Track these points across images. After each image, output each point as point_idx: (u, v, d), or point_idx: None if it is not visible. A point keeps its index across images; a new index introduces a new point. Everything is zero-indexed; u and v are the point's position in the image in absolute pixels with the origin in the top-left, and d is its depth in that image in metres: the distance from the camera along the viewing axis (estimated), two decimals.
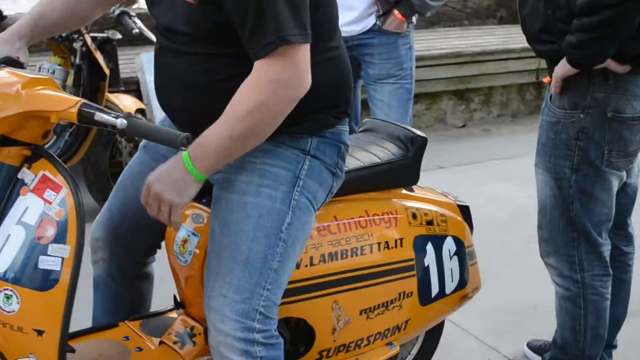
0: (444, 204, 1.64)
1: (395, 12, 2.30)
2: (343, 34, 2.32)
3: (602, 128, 1.52)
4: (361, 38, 2.37)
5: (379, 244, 1.42)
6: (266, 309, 1.14)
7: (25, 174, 1.09)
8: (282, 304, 1.23)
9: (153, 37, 2.88)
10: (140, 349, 1.29)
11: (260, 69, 1.01)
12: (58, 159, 1.10)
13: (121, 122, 0.95)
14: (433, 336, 1.76)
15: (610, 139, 1.53)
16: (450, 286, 1.60)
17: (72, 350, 1.14)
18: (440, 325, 1.76)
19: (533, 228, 1.76)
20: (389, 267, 1.44)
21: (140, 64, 3.39)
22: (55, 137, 2.04)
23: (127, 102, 2.87)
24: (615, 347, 1.84)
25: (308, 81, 1.04)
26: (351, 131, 2.44)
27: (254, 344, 1.13)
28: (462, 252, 1.63)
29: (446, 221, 1.59)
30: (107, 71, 2.69)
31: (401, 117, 2.42)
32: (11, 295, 1.03)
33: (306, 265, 1.29)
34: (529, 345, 1.95)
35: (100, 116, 0.97)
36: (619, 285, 1.77)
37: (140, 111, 2.91)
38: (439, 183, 1.98)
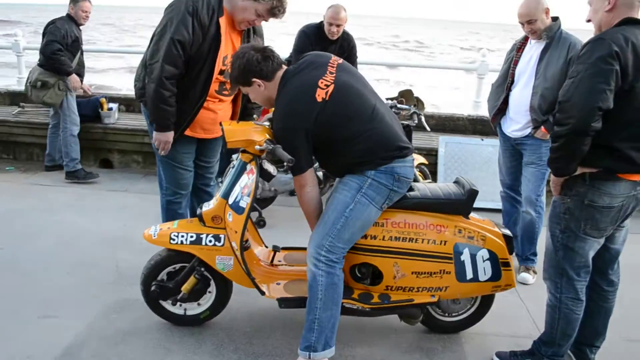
0: (489, 230, 2.74)
1: (542, 127, 3.40)
2: (512, 136, 3.58)
3: (581, 210, 2.36)
4: (522, 139, 3.56)
5: (428, 239, 2.68)
6: (330, 246, 2.45)
7: (247, 165, 2.65)
8: (364, 255, 2.66)
9: (428, 128, 4.46)
10: None
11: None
12: (258, 161, 2.60)
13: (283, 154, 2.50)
14: (486, 302, 2.91)
15: (586, 217, 2.35)
16: (482, 277, 2.70)
17: (248, 246, 2.78)
18: (492, 297, 2.88)
19: None
20: (433, 254, 2.66)
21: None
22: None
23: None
24: (598, 347, 2.63)
25: (310, 185, 2.49)
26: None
27: (319, 262, 2.46)
28: (495, 261, 2.71)
29: (485, 239, 2.71)
30: None
31: (535, 188, 3.52)
32: (230, 214, 2.69)
33: (381, 238, 2.66)
34: (499, 356, 2.77)
35: (278, 152, 2.44)
36: (599, 309, 2.59)
37: (422, 164, 4.51)
38: None
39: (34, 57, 5.46)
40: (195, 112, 3.07)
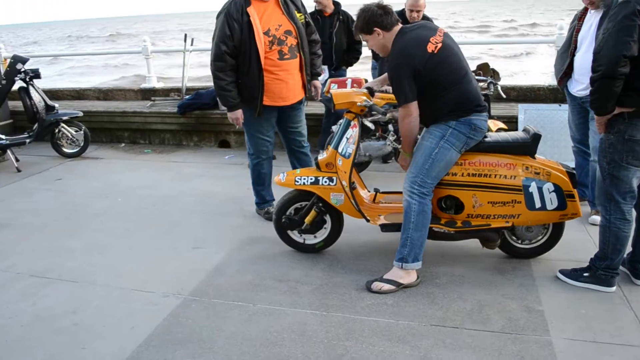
0: (554, 168, 3.25)
1: None
2: (578, 95, 4.05)
3: (622, 144, 2.83)
4: (587, 97, 3.87)
5: (500, 175, 3.24)
6: (421, 182, 3.10)
7: (351, 122, 3.41)
8: (448, 189, 3.27)
9: (504, 95, 4.99)
10: None
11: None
12: (361, 119, 3.42)
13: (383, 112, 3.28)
14: (558, 230, 3.42)
15: (627, 150, 2.83)
16: (550, 206, 3.22)
17: (355, 187, 3.48)
18: (562, 227, 3.39)
19: None
20: (505, 186, 3.22)
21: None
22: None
23: (492, 125, 4.93)
24: None
25: (414, 116, 3.07)
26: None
27: (413, 194, 3.12)
28: (560, 193, 3.22)
29: (550, 174, 3.22)
30: None
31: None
32: (339, 159, 3.44)
33: (461, 175, 3.27)
34: (562, 272, 3.24)
35: (374, 107, 3.28)
36: None
37: (501, 129, 4.96)
38: None
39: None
40: (262, 84, 3.85)
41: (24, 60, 6.13)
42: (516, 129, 5.45)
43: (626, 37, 2.61)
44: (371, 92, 3.55)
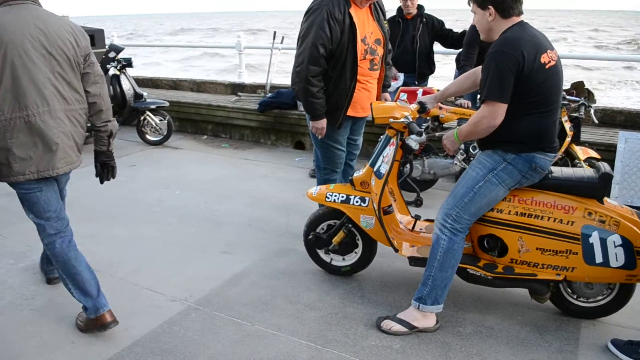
0: (626, 217, 2.68)
1: None
2: None
3: None
4: None
5: (555, 218, 2.71)
6: (456, 216, 2.67)
7: (391, 139, 3.03)
8: (489, 226, 2.80)
9: (596, 121, 4.33)
10: None
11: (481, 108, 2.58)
12: (400, 136, 2.99)
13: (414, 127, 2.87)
14: (627, 292, 2.81)
15: None
16: (614, 263, 2.65)
17: (391, 211, 3.10)
18: (632, 288, 2.79)
19: None
20: (559, 232, 2.69)
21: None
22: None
23: (580, 153, 4.32)
24: None
25: (497, 122, 2.52)
26: None
27: (444, 228, 2.69)
28: (629, 248, 2.63)
29: (619, 224, 2.65)
30: (570, 133, 4.21)
31: None
32: (373, 179, 3.07)
33: (507, 213, 2.79)
34: (614, 342, 2.62)
35: (411, 125, 2.88)
36: None
37: (592, 158, 4.31)
38: None
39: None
40: (350, 96, 3.49)
41: (118, 50, 6.39)
42: (613, 159, 4.71)
43: None
44: (423, 107, 3.16)
